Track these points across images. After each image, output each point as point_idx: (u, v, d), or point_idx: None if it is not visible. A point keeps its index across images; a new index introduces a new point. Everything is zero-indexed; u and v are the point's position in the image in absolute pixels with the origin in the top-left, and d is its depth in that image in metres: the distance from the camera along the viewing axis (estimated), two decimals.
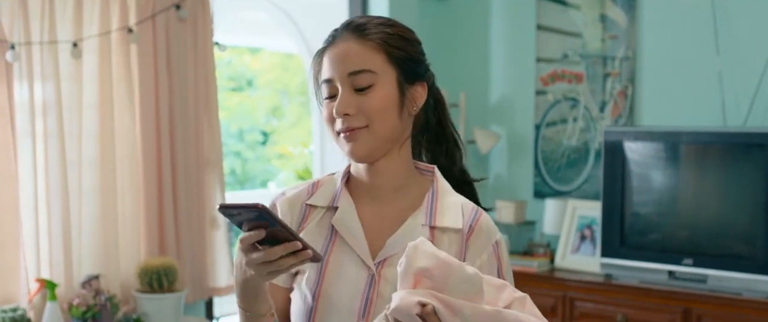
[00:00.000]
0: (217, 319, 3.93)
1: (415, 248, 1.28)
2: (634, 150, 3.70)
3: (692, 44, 3.81)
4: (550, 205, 4.11)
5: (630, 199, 3.71)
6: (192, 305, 3.61)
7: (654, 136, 3.66)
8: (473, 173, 1.69)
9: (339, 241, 1.51)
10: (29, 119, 3.10)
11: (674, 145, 3.62)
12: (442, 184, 1.56)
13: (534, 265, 3.95)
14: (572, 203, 4.07)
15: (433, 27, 4.47)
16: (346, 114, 1.45)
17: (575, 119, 4.18)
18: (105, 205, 3.29)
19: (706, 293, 3.45)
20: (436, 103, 1.61)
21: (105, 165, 3.28)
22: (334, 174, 1.60)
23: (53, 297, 3.04)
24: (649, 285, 3.58)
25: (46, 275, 3.16)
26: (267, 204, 1.37)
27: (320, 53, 1.52)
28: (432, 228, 1.50)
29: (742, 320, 3.34)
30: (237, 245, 1.36)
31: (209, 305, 3.76)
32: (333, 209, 1.53)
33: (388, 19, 1.53)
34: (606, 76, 4.07)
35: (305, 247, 1.32)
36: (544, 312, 1.76)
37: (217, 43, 3.60)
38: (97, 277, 3.19)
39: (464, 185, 1.63)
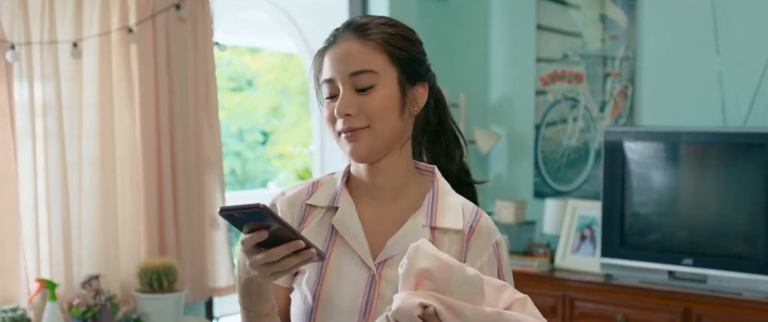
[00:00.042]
0: (217, 319, 3.93)
1: (417, 249, 1.28)
2: (634, 150, 3.70)
3: (692, 44, 3.81)
4: (550, 205, 4.11)
5: (630, 199, 3.71)
6: (192, 305, 3.61)
7: (654, 136, 3.66)
8: (473, 173, 1.69)
9: (339, 241, 1.50)
10: (29, 119, 3.10)
11: (674, 145, 3.62)
12: (443, 184, 1.55)
13: (534, 265, 3.95)
14: (572, 203, 4.07)
15: (433, 27, 4.47)
16: (347, 114, 1.45)
17: (575, 119, 4.18)
18: (105, 205, 3.29)
19: (706, 293, 3.45)
20: (436, 104, 1.61)
21: (105, 165, 3.28)
22: (334, 174, 1.59)
23: (53, 297, 3.04)
24: (649, 285, 3.58)
25: (46, 275, 3.16)
26: (267, 204, 1.36)
27: (321, 53, 1.51)
28: (432, 229, 1.50)
29: (742, 320, 3.34)
30: (238, 246, 1.36)
31: (209, 305, 3.76)
32: (333, 209, 1.53)
33: (390, 19, 1.53)
34: (606, 76, 4.06)
35: (308, 245, 1.31)
36: (544, 312, 1.76)
37: (217, 43, 3.60)
38: (97, 277, 3.19)
39: (464, 186, 1.63)
